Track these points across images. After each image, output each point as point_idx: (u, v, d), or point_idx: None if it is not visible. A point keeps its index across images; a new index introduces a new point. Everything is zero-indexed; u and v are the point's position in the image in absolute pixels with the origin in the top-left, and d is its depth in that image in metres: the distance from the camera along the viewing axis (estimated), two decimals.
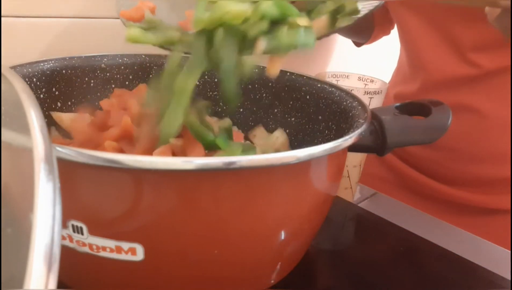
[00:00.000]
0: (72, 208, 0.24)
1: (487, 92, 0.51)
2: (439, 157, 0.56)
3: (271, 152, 0.23)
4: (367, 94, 0.44)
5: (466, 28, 0.49)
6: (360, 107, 0.34)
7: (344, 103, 0.36)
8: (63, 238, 0.25)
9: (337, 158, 0.30)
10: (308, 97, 0.41)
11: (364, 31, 0.65)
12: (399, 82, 0.62)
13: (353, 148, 0.30)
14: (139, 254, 0.24)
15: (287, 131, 0.44)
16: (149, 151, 0.30)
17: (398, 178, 0.62)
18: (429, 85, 0.55)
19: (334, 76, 0.49)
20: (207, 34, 0.28)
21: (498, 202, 0.54)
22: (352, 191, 0.49)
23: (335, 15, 0.31)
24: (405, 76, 0.60)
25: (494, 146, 0.52)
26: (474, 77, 0.51)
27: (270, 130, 0.45)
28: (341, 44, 0.78)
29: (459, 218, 0.53)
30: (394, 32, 0.67)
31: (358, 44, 0.69)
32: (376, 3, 0.31)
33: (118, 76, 0.44)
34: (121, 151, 0.33)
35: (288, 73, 0.43)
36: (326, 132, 0.39)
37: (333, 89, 0.39)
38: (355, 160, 0.47)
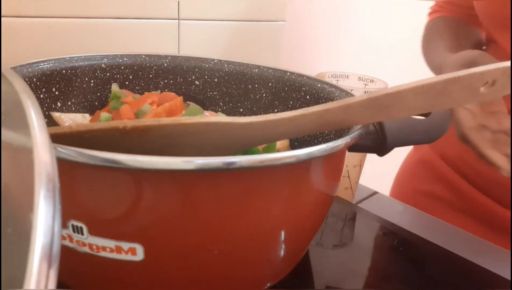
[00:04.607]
0: (72, 208, 0.24)
1: None
2: None
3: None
4: (367, 94, 0.44)
5: None
6: None
7: None
8: (63, 238, 0.25)
9: (337, 158, 0.30)
10: (308, 97, 0.41)
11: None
12: None
13: (353, 148, 0.30)
14: (139, 254, 0.24)
15: None
16: None
17: (461, 200, 0.55)
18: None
19: (334, 76, 0.49)
20: None
21: None
22: (352, 191, 0.49)
23: None
24: None
25: None
26: None
27: None
28: (341, 44, 0.78)
29: None
30: (395, 30, 0.66)
31: None
32: None
33: (118, 76, 0.44)
34: None
35: (288, 73, 0.43)
36: (326, 132, 0.39)
37: (333, 89, 0.39)
38: (355, 160, 0.47)
